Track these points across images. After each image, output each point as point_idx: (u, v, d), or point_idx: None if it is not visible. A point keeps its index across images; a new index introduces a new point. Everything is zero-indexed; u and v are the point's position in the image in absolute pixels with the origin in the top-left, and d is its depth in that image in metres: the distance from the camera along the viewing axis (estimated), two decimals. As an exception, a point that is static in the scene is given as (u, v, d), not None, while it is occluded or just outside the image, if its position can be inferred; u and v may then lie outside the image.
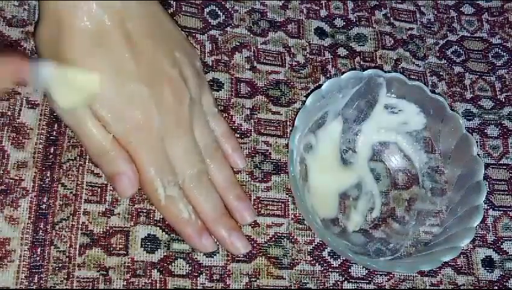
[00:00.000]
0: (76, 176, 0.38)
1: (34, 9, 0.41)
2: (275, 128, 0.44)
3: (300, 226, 0.42)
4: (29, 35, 0.40)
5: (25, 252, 0.36)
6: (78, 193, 0.38)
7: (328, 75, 0.47)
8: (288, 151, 0.39)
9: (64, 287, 0.36)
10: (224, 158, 0.41)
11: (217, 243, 0.39)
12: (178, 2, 0.45)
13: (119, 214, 0.38)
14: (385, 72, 0.42)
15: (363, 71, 0.41)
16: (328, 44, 0.48)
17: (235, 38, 0.46)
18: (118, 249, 0.37)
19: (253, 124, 0.44)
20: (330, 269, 0.41)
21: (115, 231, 0.38)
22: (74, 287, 0.36)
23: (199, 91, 0.40)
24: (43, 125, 0.39)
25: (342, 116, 0.44)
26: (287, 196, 0.42)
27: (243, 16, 0.47)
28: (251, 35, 0.46)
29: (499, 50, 0.52)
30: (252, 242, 0.40)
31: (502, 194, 0.47)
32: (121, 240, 0.38)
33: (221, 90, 0.44)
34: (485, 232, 0.45)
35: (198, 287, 0.38)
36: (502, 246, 0.45)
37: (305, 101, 0.39)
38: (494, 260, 0.44)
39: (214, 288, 0.38)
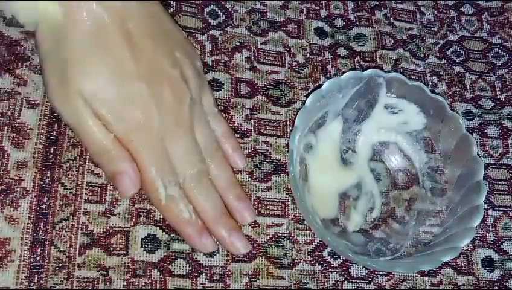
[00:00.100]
0: (76, 176, 0.38)
1: (34, 9, 0.41)
2: (275, 128, 0.44)
3: (300, 226, 0.42)
4: (29, 35, 0.40)
5: (25, 252, 0.36)
6: (78, 193, 0.38)
7: (328, 75, 0.47)
8: (288, 151, 0.39)
9: (64, 287, 0.36)
10: (225, 158, 0.41)
11: (217, 243, 0.39)
12: (178, 2, 0.45)
13: (119, 214, 0.38)
14: (385, 72, 0.42)
15: (363, 71, 0.41)
16: (328, 44, 0.48)
17: (235, 38, 0.46)
18: (118, 249, 0.37)
19: (253, 124, 0.44)
20: (330, 269, 0.41)
21: (115, 231, 0.38)
22: (74, 287, 0.36)
23: (199, 91, 0.40)
24: (43, 125, 0.39)
25: (342, 116, 0.44)
26: (287, 196, 0.42)
27: (243, 16, 0.47)
28: (251, 35, 0.46)
29: (499, 50, 0.52)
30: (252, 242, 0.40)
31: (502, 194, 0.47)
32: (121, 240, 0.38)
33: (221, 90, 0.44)
34: (485, 232, 0.45)
35: (198, 287, 0.38)
36: (502, 246, 0.45)
37: (305, 101, 0.39)
38: (494, 260, 0.44)
39: (214, 288, 0.38)
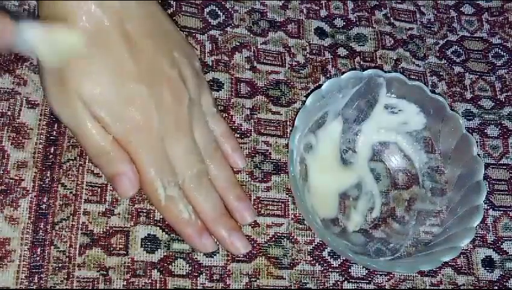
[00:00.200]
0: (76, 176, 0.38)
1: (34, 9, 0.41)
2: (275, 128, 0.44)
3: (300, 226, 0.42)
4: (29, 35, 0.40)
5: (25, 252, 0.36)
6: (78, 193, 0.38)
7: (328, 75, 0.47)
8: (288, 151, 0.39)
9: (64, 287, 0.36)
10: (224, 158, 0.41)
11: (217, 243, 0.39)
12: (178, 2, 0.45)
13: (119, 214, 0.38)
14: (385, 72, 0.42)
15: (363, 71, 0.41)
16: (328, 44, 0.48)
17: (235, 38, 0.46)
18: (118, 249, 0.37)
19: (253, 124, 0.44)
20: (330, 269, 0.41)
21: (115, 231, 0.38)
22: (74, 287, 0.36)
23: (198, 91, 0.40)
24: (43, 125, 0.39)
25: (342, 116, 0.44)
26: (287, 196, 0.42)
27: (243, 16, 0.47)
28: (251, 35, 0.46)
29: (499, 50, 0.52)
30: (252, 242, 0.40)
31: (502, 194, 0.47)
32: (121, 240, 0.38)
33: (221, 90, 0.44)
34: (485, 232, 0.45)
35: (198, 287, 0.38)
36: (502, 246, 0.45)
37: (305, 101, 0.39)
38: (494, 260, 0.44)
39: (214, 288, 0.38)
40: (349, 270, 0.41)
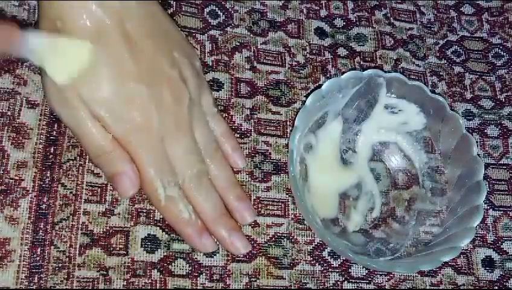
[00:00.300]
0: (76, 176, 0.38)
1: (34, 9, 0.41)
2: (275, 128, 0.44)
3: (300, 226, 0.42)
4: (29, 35, 0.40)
5: (25, 252, 0.36)
6: (78, 193, 0.38)
7: (328, 75, 0.47)
8: (288, 151, 0.39)
9: (64, 287, 0.36)
10: (224, 158, 0.41)
11: (217, 243, 0.39)
12: (178, 2, 0.45)
13: (119, 214, 0.38)
14: (385, 72, 0.42)
15: (363, 71, 0.41)
16: (328, 44, 0.48)
17: (235, 38, 0.46)
18: (118, 249, 0.37)
19: (253, 124, 0.44)
20: (330, 269, 0.41)
21: (115, 231, 0.38)
22: (74, 287, 0.36)
23: (198, 91, 0.40)
24: (43, 125, 0.39)
25: (342, 116, 0.44)
26: (287, 196, 0.42)
27: (243, 16, 0.47)
28: (251, 35, 0.46)
29: (499, 50, 0.52)
30: (252, 242, 0.40)
31: (502, 194, 0.47)
32: (121, 240, 0.38)
33: (221, 90, 0.44)
34: (485, 232, 0.45)
35: (198, 287, 0.38)
36: (502, 246, 0.45)
37: (305, 101, 0.39)
38: (494, 260, 0.44)
39: (214, 288, 0.38)
40: (349, 270, 0.41)
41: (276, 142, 0.44)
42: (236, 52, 0.45)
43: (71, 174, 0.38)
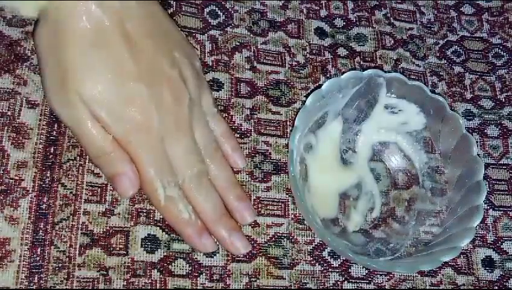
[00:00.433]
0: (76, 176, 0.38)
1: (34, 9, 0.41)
2: (275, 128, 0.44)
3: (300, 226, 0.42)
4: (29, 35, 0.40)
5: (25, 252, 0.36)
6: (78, 193, 0.38)
7: (328, 75, 0.47)
8: (288, 151, 0.39)
9: (64, 287, 0.36)
10: (224, 158, 0.41)
11: (217, 243, 0.39)
12: (178, 2, 0.45)
13: (119, 214, 0.38)
14: (385, 72, 0.42)
15: (363, 71, 0.41)
16: (328, 44, 0.48)
17: (235, 38, 0.46)
18: (118, 249, 0.37)
19: (253, 124, 0.44)
20: (330, 269, 0.41)
21: (115, 231, 0.38)
22: (74, 287, 0.36)
23: (198, 91, 0.40)
24: (43, 125, 0.39)
25: (342, 116, 0.44)
26: (287, 196, 0.42)
27: (243, 16, 0.47)
28: (251, 35, 0.46)
29: (499, 50, 0.52)
30: (252, 242, 0.40)
31: (502, 194, 0.47)
32: (121, 240, 0.38)
33: (221, 90, 0.44)
34: (485, 232, 0.45)
35: (198, 287, 0.38)
36: (502, 246, 0.45)
37: (305, 101, 0.39)
38: (494, 260, 0.44)
39: (214, 288, 0.38)
40: (349, 270, 0.41)
41: (276, 142, 0.44)
42: (236, 52, 0.45)
43: (71, 174, 0.38)
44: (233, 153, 0.41)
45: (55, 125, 0.39)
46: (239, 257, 0.39)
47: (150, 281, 0.37)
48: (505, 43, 0.53)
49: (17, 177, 0.37)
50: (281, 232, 0.41)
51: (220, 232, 0.38)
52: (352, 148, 0.45)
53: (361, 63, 0.48)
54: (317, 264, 0.41)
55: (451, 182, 0.42)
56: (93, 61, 0.35)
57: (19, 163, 0.37)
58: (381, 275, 0.42)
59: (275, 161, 0.43)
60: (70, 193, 0.38)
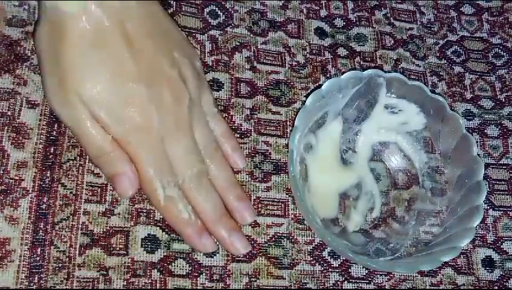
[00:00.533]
0: (76, 176, 0.38)
1: (34, 10, 0.41)
2: (275, 128, 0.44)
3: (300, 226, 0.42)
4: (29, 35, 0.40)
5: (25, 252, 0.36)
6: (78, 193, 0.38)
7: (328, 75, 0.47)
8: (288, 151, 0.39)
9: (64, 287, 0.36)
10: (224, 158, 0.41)
11: (217, 243, 0.39)
12: (178, 2, 0.45)
13: (119, 214, 0.38)
14: (385, 72, 0.42)
15: (363, 71, 0.41)
16: (328, 44, 0.48)
17: (235, 38, 0.46)
18: (118, 249, 0.37)
19: (253, 124, 0.44)
20: (330, 269, 0.41)
21: (115, 231, 0.38)
22: (74, 287, 0.36)
23: (198, 91, 0.40)
24: (43, 125, 0.39)
25: (342, 116, 0.44)
26: (287, 196, 0.42)
27: (243, 16, 0.47)
28: (251, 35, 0.46)
29: (499, 50, 0.52)
30: (252, 242, 0.40)
31: (502, 194, 0.47)
32: (121, 240, 0.38)
33: (221, 90, 0.44)
34: (485, 232, 0.45)
35: (198, 287, 0.38)
36: (502, 246, 0.45)
37: (305, 101, 0.39)
38: (494, 260, 0.44)
39: (214, 288, 0.38)
40: (349, 270, 0.41)
41: (276, 142, 0.44)
42: (236, 52, 0.45)
43: (71, 174, 0.38)
44: (233, 153, 0.41)
45: (55, 125, 0.39)
46: (239, 257, 0.39)
47: (150, 281, 0.37)
48: (505, 43, 0.53)
49: (17, 177, 0.37)
50: (281, 232, 0.41)
51: (220, 233, 0.38)
52: (352, 148, 0.45)
53: (361, 63, 0.48)
54: (317, 264, 0.41)
55: (451, 182, 0.42)
56: (93, 61, 0.35)
57: (19, 163, 0.37)
58: (381, 275, 0.42)
59: (275, 161, 0.43)
60: (70, 193, 0.38)
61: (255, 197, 0.42)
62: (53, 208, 0.37)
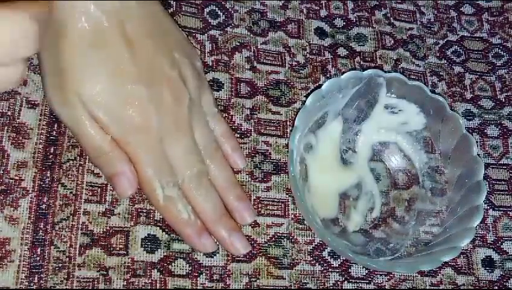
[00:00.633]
0: (76, 176, 0.38)
1: (34, 9, 0.41)
2: (275, 128, 0.44)
3: (300, 226, 0.42)
4: (29, 35, 0.40)
5: (25, 252, 0.36)
6: (78, 193, 0.38)
7: (328, 75, 0.47)
8: (288, 151, 0.39)
9: (64, 287, 0.36)
10: (224, 158, 0.41)
11: (217, 243, 0.39)
12: (178, 2, 0.45)
13: (119, 214, 0.38)
14: (385, 72, 0.42)
15: (363, 71, 0.41)
16: (328, 44, 0.48)
17: (235, 38, 0.46)
18: (118, 249, 0.37)
19: (253, 124, 0.44)
20: (330, 269, 0.41)
21: (115, 231, 0.38)
22: (74, 287, 0.36)
23: (198, 91, 0.40)
24: (43, 125, 0.39)
25: (342, 116, 0.44)
26: (287, 196, 0.42)
27: (243, 16, 0.47)
28: (251, 35, 0.46)
29: (499, 50, 0.52)
30: (252, 242, 0.40)
31: (502, 194, 0.47)
32: (121, 240, 0.38)
33: (221, 90, 0.44)
34: (485, 232, 0.45)
35: (198, 287, 0.38)
36: (502, 246, 0.45)
37: (305, 101, 0.39)
38: (494, 260, 0.44)
39: (214, 288, 0.38)
40: (349, 270, 0.41)
41: (276, 142, 0.44)
42: (236, 52, 0.45)
43: (71, 174, 0.38)
44: (233, 153, 0.41)
45: (55, 125, 0.39)
46: (239, 257, 0.39)
47: (150, 281, 0.37)
48: (505, 43, 0.53)
49: (17, 177, 0.37)
50: (281, 232, 0.41)
51: (220, 233, 0.38)
52: (352, 148, 0.45)
53: (361, 63, 0.48)
54: (317, 264, 0.41)
55: (451, 182, 0.42)
56: (92, 61, 0.35)
57: (19, 163, 0.37)
58: (381, 275, 0.42)
59: (275, 161, 0.43)
60: (70, 193, 0.38)
61: (255, 197, 0.42)
62: (53, 208, 0.37)
